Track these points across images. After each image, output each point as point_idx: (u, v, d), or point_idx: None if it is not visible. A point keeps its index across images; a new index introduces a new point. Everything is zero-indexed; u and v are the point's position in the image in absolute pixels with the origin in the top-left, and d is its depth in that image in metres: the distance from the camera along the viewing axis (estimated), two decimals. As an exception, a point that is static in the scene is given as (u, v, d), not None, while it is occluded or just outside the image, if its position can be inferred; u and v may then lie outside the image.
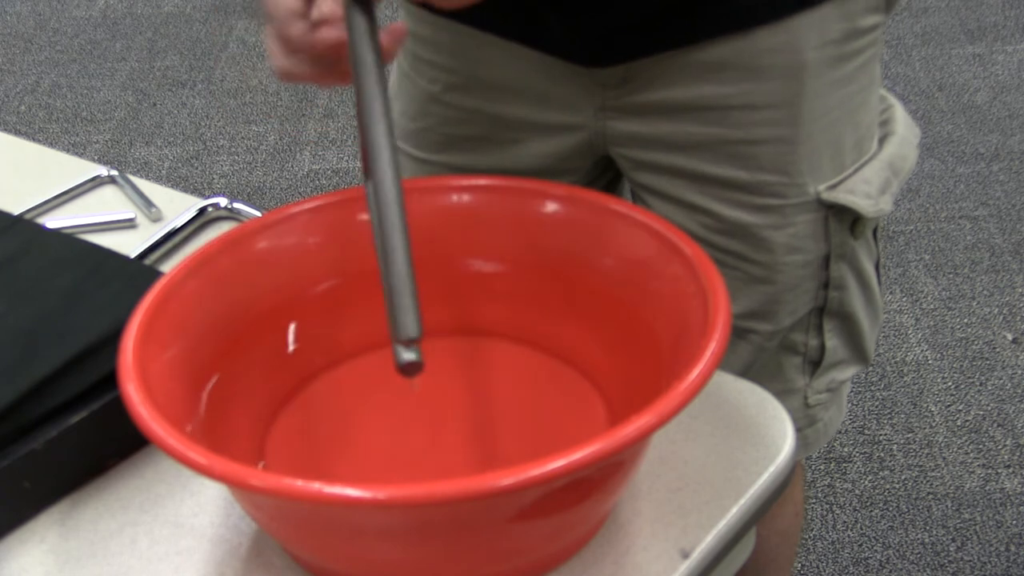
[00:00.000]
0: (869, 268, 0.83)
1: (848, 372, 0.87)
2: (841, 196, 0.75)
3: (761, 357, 0.83)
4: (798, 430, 0.87)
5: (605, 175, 0.87)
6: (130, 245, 0.83)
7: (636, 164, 0.79)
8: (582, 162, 0.82)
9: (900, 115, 0.82)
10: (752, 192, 0.75)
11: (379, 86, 0.53)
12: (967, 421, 1.67)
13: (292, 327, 0.64)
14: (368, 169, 0.53)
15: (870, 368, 1.76)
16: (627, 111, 0.76)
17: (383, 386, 0.65)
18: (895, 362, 1.78)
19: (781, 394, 0.84)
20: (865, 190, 0.76)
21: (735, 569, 0.65)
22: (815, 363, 0.85)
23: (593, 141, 0.79)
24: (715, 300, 0.53)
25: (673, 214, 0.78)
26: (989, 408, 1.69)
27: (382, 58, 0.56)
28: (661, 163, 0.77)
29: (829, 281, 0.80)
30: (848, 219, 0.77)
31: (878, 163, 0.78)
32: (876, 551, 1.49)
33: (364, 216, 0.65)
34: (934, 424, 1.67)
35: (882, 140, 0.80)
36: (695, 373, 0.48)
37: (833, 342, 0.84)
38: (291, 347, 0.64)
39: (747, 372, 0.82)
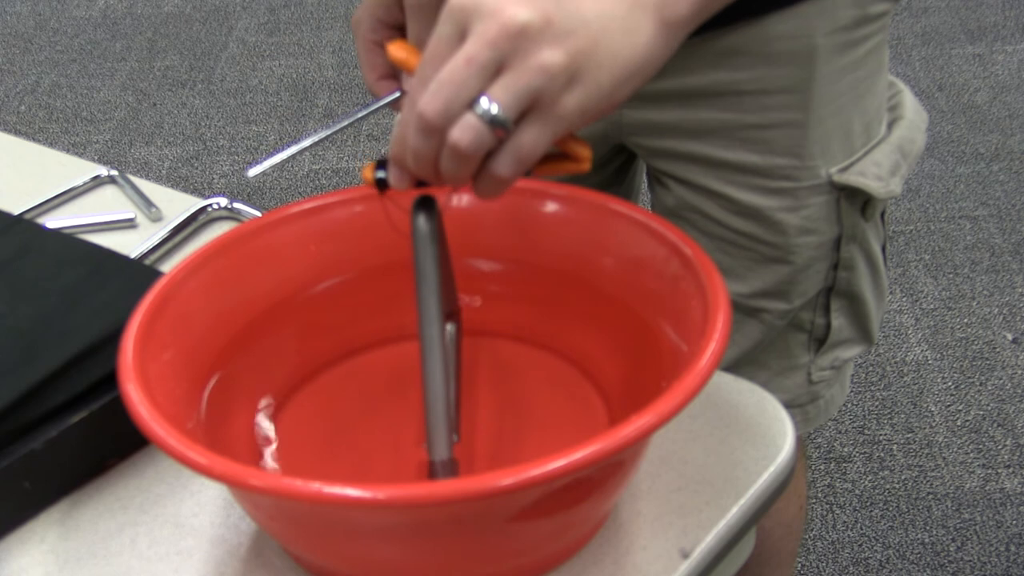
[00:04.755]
0: (877, 249, 0.85)
1: (852, 351, 0.89)
2: (852, 178, 0.77)
3: (770, 335, 0.84)
4: (800, 406, 0.89)
5: (618, 157, 0.88)
6: (130, 245, 0.83)
7: (651, 152, 0.80)
8: (596, 150, 0.83)
9: (908, 100, 0.83)
10: (765, 176, 0.76)
11: (436, 295, 0.54)
12: (967, 421, 1.67)
13: (291, 327, 0.64)
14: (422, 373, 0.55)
15: (870, 368, 1.76)
16: (642, 99, 0.76)
17: (383, 385, 0.65)
18: (895, 362, 1.78)
19: (785, 370, 0.87)
20: (876, 172, 0.78)
21: (735, 569, 0.65)
22: (820, 340, 0.86)
23: (608, 131, 0.80)
24: (715, 300, 0.53)
25: (690, 197, 0.80)
26: (989, 408, 1.69)
27: (447, 260, 0.57)
28: (676, 149, 0.78)
29: (839, 262, 0.82)
30: (859, 201, 0.79)
31: (887, 146, 0.80)
32: (876, 551, 1.49)
33: (364, 216, 0.65)
34: (934, 424, 1.67)
35: (891, 124, 0.82)
36: (695, 373, 0.48)
37: (839, 321, 0.85)
38: (291, 347, 0.64)
39: (755, 349, 0.84)
